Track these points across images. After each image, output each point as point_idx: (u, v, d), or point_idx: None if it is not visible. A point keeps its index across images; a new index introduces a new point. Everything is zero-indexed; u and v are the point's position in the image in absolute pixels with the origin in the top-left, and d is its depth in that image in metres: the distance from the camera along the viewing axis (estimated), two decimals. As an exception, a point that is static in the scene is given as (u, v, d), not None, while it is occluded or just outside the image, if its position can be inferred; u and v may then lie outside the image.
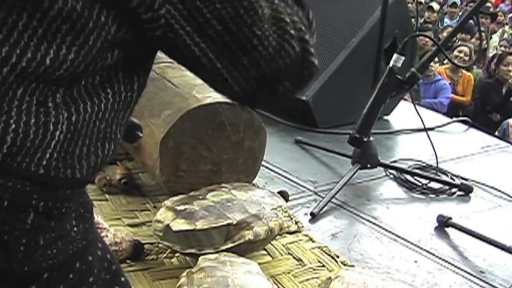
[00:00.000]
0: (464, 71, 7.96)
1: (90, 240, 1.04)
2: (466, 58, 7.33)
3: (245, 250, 1.86)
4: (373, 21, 3.28)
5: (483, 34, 9.31)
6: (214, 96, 2.14)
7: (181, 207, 1.88)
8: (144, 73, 1.02)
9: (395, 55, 2.41)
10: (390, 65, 2.41)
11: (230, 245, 1.83)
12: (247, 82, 0.98)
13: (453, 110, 7.18)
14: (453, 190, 2.67)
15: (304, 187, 2.58)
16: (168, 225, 1.83)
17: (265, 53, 0.96)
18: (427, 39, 7.13)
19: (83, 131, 0.92)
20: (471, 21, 2.49)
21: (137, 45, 0.94)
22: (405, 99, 3.49)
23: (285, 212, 2.05)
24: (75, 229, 1.00)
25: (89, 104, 0.92)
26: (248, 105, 1.13)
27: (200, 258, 1.74)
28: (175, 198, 1.97)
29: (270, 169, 2.67)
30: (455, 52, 7.60)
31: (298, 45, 1.01)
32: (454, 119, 3.69)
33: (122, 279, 1.13)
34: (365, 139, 2.32)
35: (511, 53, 7.89)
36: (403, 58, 2.41)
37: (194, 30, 0.91)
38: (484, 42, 9.16)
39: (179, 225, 1.82)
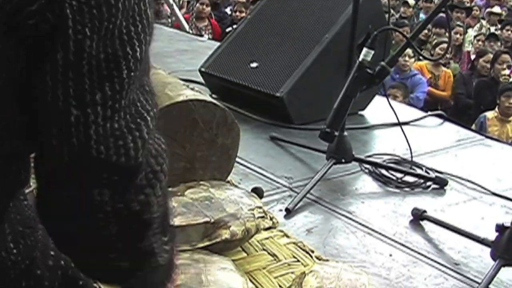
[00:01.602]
0: (443, 67, 8.02)
1: (35, 256, 1.02)
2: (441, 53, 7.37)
3: (221, 249, 1.86)
4: (346, 16, 3.28)
5: (460, 28, 9.37)
6: (186, 94, 2.13)
7: (158, 203, 1.87)
8: None
9: (364, 49, 2.42)
10: (360, 59, 2.41)
11: (206, 243, 1.83)
12: None
13: (432, 105, 7.23)
14: (428, 183, 2.68)
15: (279, 183, 2.58)
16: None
17: None
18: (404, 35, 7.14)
19: None
20: (444, 15, 2.49)
21: None
22: (379, 94, 3.50)
23: (262, 211, 2.04)
24: (15, 251, 0.98)
25: None
26: None
27: (174, 255, 1.73)
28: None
29: (245, 166, 2.67)
30: (438, 50, 7.65)
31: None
32: (429, 113, 3.70)
33: (80, 282, 1.12)
34: (336, 133, 2.32)
35: (504, 51, 7.96)
36: (372, 52, 2.41)
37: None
38: (460, 36, 9.19)
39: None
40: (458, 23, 9.84)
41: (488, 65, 7.78)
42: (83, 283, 1.11)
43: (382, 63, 2.39)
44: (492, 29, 10.62)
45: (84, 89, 0.88)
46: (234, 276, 1.66)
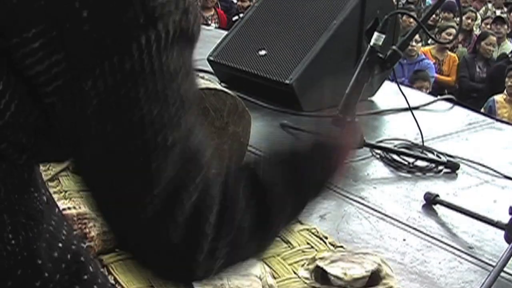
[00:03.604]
0: (448, 51, 8.00)
1: (35, 248, 1.00)
2: (451, 38, 7.35)
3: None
4: (354, 2, 3.27)
5: (472, 14, 9.33)
6: (196, 82, 2.13)
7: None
8: None
9: (375, 34, 2.41)
10: (371, 43, 2.40)
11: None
12: None
13: (438, 90, 7.20)
14: (440, 167, 2.67)
15: (291, 170, 2.57)
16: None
17: None
18: (411, 20, 7.12)
19: None
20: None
21: None
22: (389, 79, 3.49)
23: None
24: (13, 242, 0.97)
25: None
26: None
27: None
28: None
29: (256, 154, 2.66)
30: (444, 34, 7.62)
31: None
32: (439, 97, 3.69)
33: (85, 276, 1.09)
34: (348, 119, 2.31)
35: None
36: (383, 36, 2.40)
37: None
38: (472, 22, 9.14)
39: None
40: (471, 8, 9.81)
41: (491, 48, 7.76)
42: (88, 277, 1.10)
43: (394, 47, 2.38)
44: (498, 12, 10.58)
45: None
46: (251, 261, 1.66)
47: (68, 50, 0.81)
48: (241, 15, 8.71)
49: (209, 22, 8.41)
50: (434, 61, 7.76)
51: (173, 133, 0.86)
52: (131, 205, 0.88)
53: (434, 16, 8.33)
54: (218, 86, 2.25)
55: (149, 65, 0.83)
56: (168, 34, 0.84)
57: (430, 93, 5.35)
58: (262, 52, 3.28)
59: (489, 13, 10.50)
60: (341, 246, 2.00)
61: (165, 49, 0.84)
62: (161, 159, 0.85)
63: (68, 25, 0.80)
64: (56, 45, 0.80)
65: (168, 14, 0.84)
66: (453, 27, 7.87)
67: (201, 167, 0.89)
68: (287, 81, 3.10)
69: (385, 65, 2.38)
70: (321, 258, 1.87)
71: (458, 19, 8.54)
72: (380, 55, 2.37)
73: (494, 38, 7.98)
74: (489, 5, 11.11)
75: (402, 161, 2.69)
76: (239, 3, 9.21)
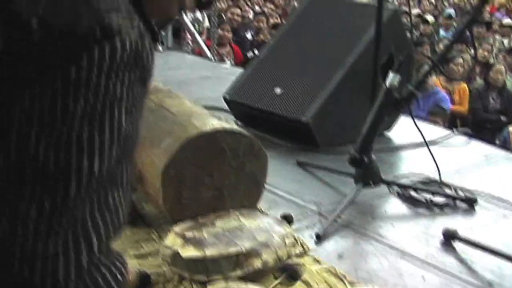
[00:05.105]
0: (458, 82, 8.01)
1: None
2: (461, 69, 7.36)
3: (253, 277, 1.86)
4: (367, 38, 3.29)
5: (487, 45, 9.34)
6: (213, 123, 2.15)
7: (190, 234, 1.89)
8: None
9: (391, 74, 2.41)
10: (387, 84, 2.40)
11: (239, 273, 1.83)
12: None
13: (451, 120, 7.20)
14: (458, 203, 2.67)
15: (308, 208, 2.57)
16: (177, 252, 1.84)
17: None
18: (424, 51, 7.16)
19: None
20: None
21: None
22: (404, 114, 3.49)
23: (292, 238, 2.04)
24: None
25: None
26: None
27: (208, 285, 1.74)
28: (184, 224, 1.98)
29: (272, 192, 2.67)
30: (451, 65, 7.63)
31: None
32: (455, 131, 3.69)
33: None
34: (366, 159, 2.32)
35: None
36: (399, 76, 2.41)
37: None
38: (487, 53, 9.15)
39: (189, 252, 1.83)
40: (491, 40, 9.83)
41: (499, 76, 7.76)
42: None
43: (410, 87, 2.39)
44: (505, 41, 10.59)
45: (20, 196, 0.80)
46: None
47: (16, 57, 0.80)
48: (255, 50, 8.82)
49: (225, 58, 8.47)
50: (444, 91, 7.77)
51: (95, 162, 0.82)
52: None
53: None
54: (234, 126, 2.26)
55: (95, 80, 0.81)
56: (123, 52, 0.82)
57: (445, 125, 5.36)
58: (278, 91, 3.30)
59: (497, 44, 10.50)
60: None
61: (117, 69, 0.82)
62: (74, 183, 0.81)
63: (18, 35, 0.80)
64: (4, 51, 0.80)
65: (126, 31, 0.82)
66: (461, 57, 7.88)
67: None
68: (303, 119, 3.12)
69: (401, 105, 2.38)
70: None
71: (472, 51, 8.57)
72: (397, 96, 2.38)
73: (502, 67, 7.99)
74: (497, 36, 11.11)
75: (420, 197, 2.68)
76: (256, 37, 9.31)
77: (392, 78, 2.41)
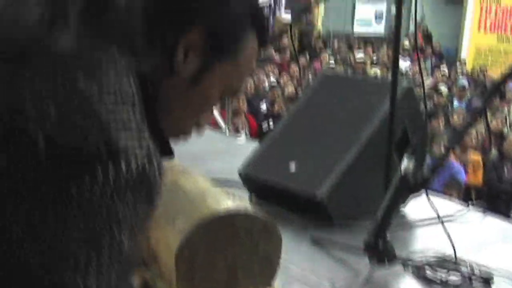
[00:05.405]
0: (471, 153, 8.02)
1: None
2: (474, 141, 7.39)
3: None
4: (381, 113, 3.31)
5: (502, 116, 9.38)
6: (227, 204, 2.15)
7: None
8: None
9: (405, 159, 2.41)
10: (402, 170, 2.40)
11: None
12: None
13: (466, 192, 7.19)
14: (473, 280, 2.64)
15: (322, 285, 2.56)
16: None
17: None
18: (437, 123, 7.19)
19: None
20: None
21: None
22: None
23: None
24: None
25: None
26: None
27: None
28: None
29: (286, 269, 2.66)
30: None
31: None
32: (470, 206, 3.67)
33: None
34: (381, 242, 2.31)
35: None
36: (413, 159, 2.41)
37: None
38: (501, 124, 9.19)
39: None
40: (505, 110, 9.88)
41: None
42: None
43: (425, 174, 2.38)
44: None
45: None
46: None
47: (17, 173, 0.79)
48: (270, 121, 8.88)
49: (240, 129, 8.52)
50: (457, 161, 7.77)
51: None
52: None
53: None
54: (249, 207, 2.26)
55: (97, 200, 0.79)
56: (128, 173, 0.80)
57: (460, 197, 5.34)
58: (292, 166, 3.31)
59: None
60: None
61: (120, 190, 0.80)
62: None
63: (22, 152, 0.79)
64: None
65: (132, 151, 0.81)
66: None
67: None
68: (317, 195, 3.12)
69: (416, 189, 2.38)
70: None
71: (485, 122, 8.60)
72: (411, 180, 2.38)
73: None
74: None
75: (435, 276, 2.66)
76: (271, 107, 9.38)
77: (407, 163, 2.41)
